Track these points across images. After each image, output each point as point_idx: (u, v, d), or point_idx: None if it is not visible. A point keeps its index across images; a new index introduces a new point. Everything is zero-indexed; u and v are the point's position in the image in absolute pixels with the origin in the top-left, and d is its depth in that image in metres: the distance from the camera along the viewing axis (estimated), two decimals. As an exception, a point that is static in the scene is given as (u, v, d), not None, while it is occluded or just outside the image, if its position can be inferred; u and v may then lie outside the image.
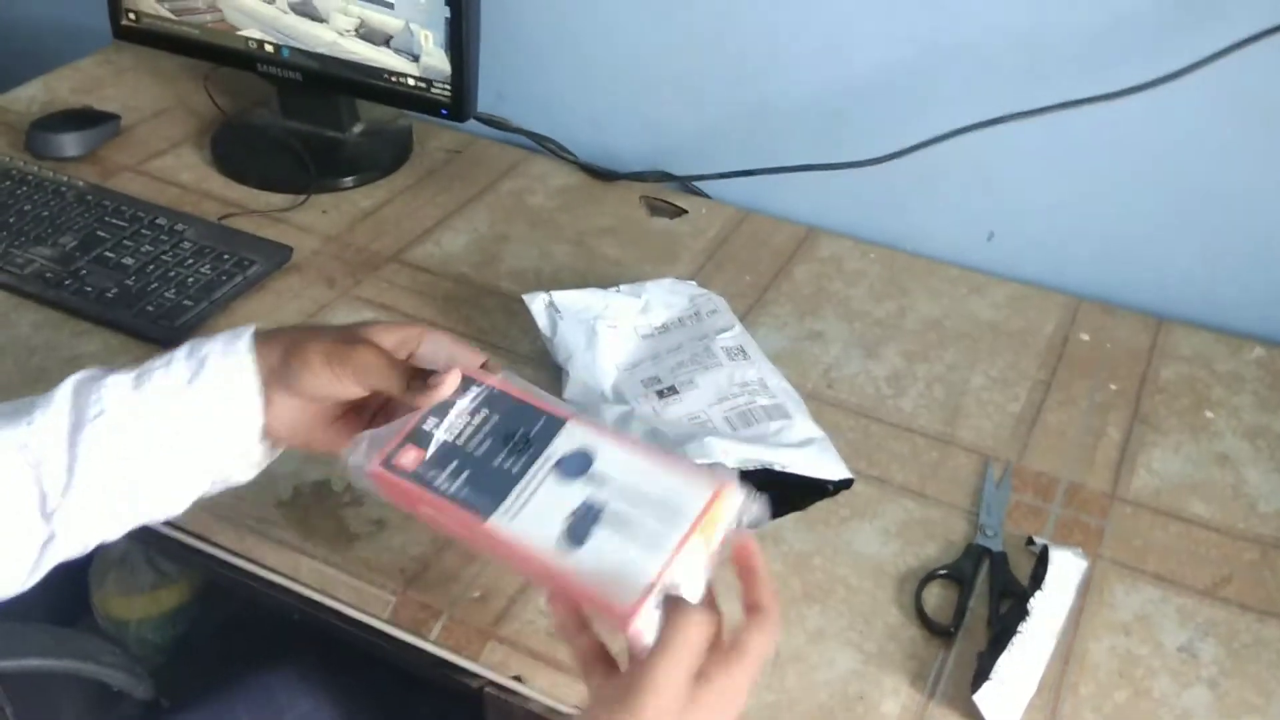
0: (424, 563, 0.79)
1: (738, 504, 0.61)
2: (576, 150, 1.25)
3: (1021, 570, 0.80)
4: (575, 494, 0.62)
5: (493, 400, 0.66)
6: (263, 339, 0.66)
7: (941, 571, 0.80)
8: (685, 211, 1.18)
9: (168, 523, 0.73)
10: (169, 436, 0.63)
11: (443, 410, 0.65)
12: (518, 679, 0.73)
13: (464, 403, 0.66)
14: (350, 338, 0.65)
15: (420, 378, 0.64)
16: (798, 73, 1.14)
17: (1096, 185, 1.07)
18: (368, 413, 0.70)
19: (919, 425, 0.94)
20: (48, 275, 1.02)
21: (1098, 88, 0.97)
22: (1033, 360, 1.01)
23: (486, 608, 0.76)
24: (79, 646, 0.88)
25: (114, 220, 1.08)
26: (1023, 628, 0.73)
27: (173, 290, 1.00)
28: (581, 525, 0.60)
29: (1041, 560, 0.78)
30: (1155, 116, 1.00)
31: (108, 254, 1.04)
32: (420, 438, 0.65)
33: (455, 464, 0.64)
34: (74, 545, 0.64)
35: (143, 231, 1.07)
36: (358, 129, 1.25)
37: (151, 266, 1.03)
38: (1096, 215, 1.08)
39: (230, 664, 1.28)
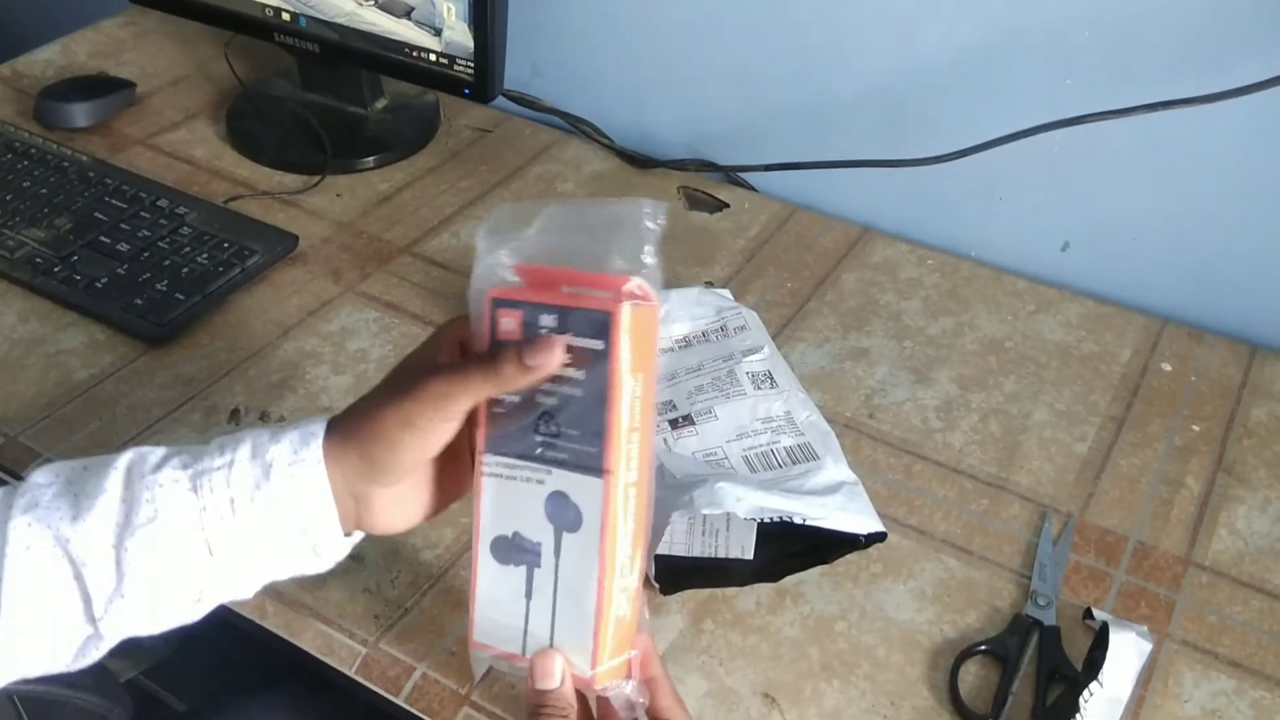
0: (401, 607, 0.72)
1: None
2: (613, 134, 1.15)
3: (1076, 647, 0.70)
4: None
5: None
6: (336, 440, 0.56)
7: (982, 647, 0.71)
8: (727, 205, 1.08)
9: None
10: (230, 548, 0.56)
11: None
12: (492, 751, 0.65)
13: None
14: (407, 378, 0.56)
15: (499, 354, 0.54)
16: (858, 58, 1.02)
17: (1187, 195, 0.95)
18: (462, 452, 0.60)
19: (969, 466, 0.83)
20: (38, 260, 0.95)
21: (1192, 89, 0.84)
22: (1105, 392, 0.90)
23: (463, 666, 0.68)
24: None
25: (114, 201, 1.01)
26: (1071, 728, 0.63)
27: (165, 282, 0.93)
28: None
29: (1100, 640, 0.68)
30: (1256, 123, 0.88)
31: (103, 239, 0.97)
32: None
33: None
34: (121, 639, 0.57)
35: (142, 214, 1.00)
36: (381, 104, 1.17)
37: (146, 254, 0.96)
38: (1186, 228, 0.96)
39: (232, 669, 1.22)
